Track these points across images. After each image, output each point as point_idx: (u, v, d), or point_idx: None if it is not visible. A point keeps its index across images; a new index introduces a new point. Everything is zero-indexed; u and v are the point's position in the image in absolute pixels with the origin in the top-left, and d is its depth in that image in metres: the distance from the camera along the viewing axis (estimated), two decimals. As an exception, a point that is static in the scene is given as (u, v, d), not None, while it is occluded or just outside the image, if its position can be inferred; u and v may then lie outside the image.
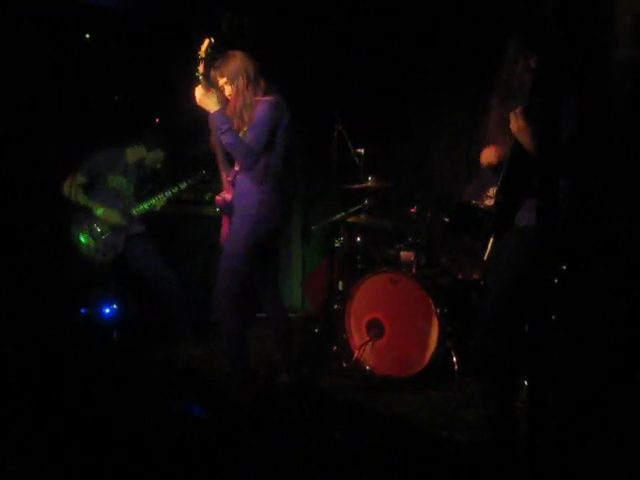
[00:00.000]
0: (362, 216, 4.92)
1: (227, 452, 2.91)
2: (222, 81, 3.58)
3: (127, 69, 5.45)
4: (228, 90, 3.59)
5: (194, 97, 3.54)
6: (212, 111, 3.50)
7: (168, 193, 4.85)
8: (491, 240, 3.17)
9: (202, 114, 3.58)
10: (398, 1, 5.14)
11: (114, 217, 4.79)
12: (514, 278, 2.93)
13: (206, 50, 3.52)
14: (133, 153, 4.91)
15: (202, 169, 4.94)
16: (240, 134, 3.55)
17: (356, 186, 4.90)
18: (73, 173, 4.79)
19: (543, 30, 2.58)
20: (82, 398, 3.37)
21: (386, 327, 4.34)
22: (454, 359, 4.19)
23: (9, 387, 3.45)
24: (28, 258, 5.02)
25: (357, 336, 4.44)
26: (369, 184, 4.83)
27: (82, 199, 4.79)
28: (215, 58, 3.57)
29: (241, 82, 3.54)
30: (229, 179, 3.65)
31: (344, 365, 4.41)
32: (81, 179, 4.80)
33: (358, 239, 4.95)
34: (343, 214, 4.99)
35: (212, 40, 3.52)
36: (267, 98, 3.56)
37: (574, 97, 2.47)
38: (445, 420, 3.58)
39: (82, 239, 4.79)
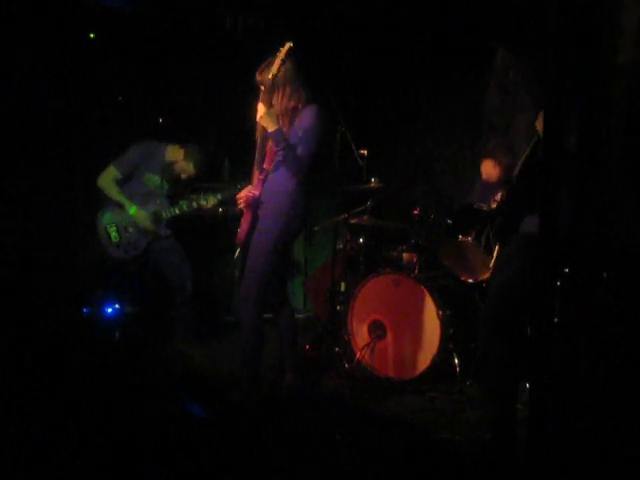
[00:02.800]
0: (365, 217, 4.92)
1: (228, 453, 2.92)
2: (269, 84, 3.57)
3: (131, 69, 5.46)
4: (274, 94, 3.58)
5: (255, 113, 3.58)
6: (270, 130, 3.51)
7: (202, 202, 4.74)
8: (497, 247, 3.19)
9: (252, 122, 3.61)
10: (402, 3, 5.14)
11: (145, 219, 4.71)
12: (511, 282, 2.95)
13: (286, 54, 3.53)
14: (172, 152, 4.82)
15: (237, 183, 4.88)
16: None
17: (359, 187, 4.90)
18: (110, 165, 4.71)
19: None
20: (83, 398, 3.37)
21: (388, 328, 4.34)
22: (456, 361, 4.19)
23: (10, 386, 3.45)
24: (31, 257, 5.02)
25: (359, 337, 4.44)
26: (372, 185, 4.83)
27: (116, 195, 4.70)
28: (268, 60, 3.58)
29: (288, 89, 3.57)
30: (260, 177, 3.66)
31: (346, 366, 4.40)
32: (116, 173, 4.70)
33: (361, 240, 4.95)
34: (346, 215, 4.98)
35: (292, 44, 3.53)
36: (312, 106, 3.60)
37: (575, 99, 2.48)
38: (446, 422, 3.58)
39: (108, 233, 4.71)
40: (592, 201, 2.51)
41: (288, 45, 3.55)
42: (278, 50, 3.52)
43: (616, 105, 2.43)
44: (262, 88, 3.59)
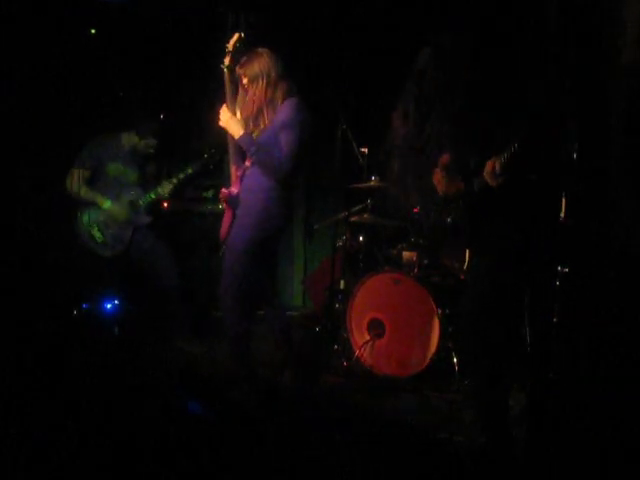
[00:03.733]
0: (365, 215, 4.92)
1: (226, 451, 2.92)
2: (245, 79, 3.56)
3: (132, 65, 5.45)
4: (249, 88, 3.55)
5: (218, 118, 3.55)
6: (237, 136, 3.49)
7: (174, 180, 4.79)
8: (467, 251, 3.18)
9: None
10: (402, 3, 5.14)
11: (121, 211, 4.74)
12: (481, 291, 2.92)
13: (234, 44, 3.50)
14: (128, 139, 4.84)
15: (205, 155, 4.88)
16: (255, 133, 3.56)
17: (359, 185, 4.90)
18: (73, 167, 4.74)
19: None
20: (82, 394, 3.37)
21: (387, 327, 4.34)
22: (455, 360, 4.19)
23: (10, 385, 3.45)
24: (30, 253, 5.01)
25: (358, 335, 4.44)
26: (372, 183, 4.83)
27: (87, 194, 4.73)
28: (242, 53, 3.55)
29: (263, 82, 3.50)
30: (238, 174, 3.64)
31: (345, 364, 4.41)
32: (80, 172, 4.73)
33: (360, 238, 4.96)
34: (346, 213, 4.98)
35: (242, 35, 3.50)
36: (291, 99, 3.51)
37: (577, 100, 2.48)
38: (445, 421, 3.57)
39: (92, 234, 4.74)
40: (592, 201, 2.51)
41: (237, 35, 3.52)
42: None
43: (616, 105, 2.43)
44: (225, 72, 3.55)
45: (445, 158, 3.03)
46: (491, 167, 2.68)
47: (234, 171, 3.66)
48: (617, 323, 2.49)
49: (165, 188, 4.81)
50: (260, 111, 3.55)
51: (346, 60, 5.69)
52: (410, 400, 3.95)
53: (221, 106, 3.57)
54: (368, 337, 4.37)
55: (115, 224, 4.75)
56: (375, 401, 3.92)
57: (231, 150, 3.66)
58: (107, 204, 4.73)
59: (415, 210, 4.75)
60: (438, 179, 3.12)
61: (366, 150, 5.03)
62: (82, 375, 3.68)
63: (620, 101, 2.42)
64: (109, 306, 4.86)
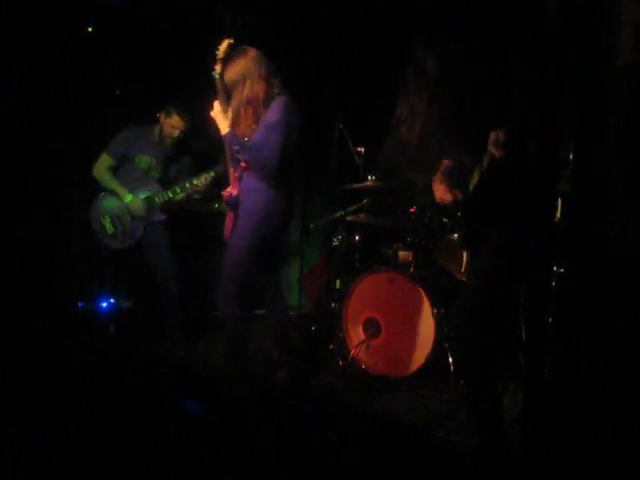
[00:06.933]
0: (361, 215, 4.92)
1: (221, 451, 2.91)
2: (229, 83, 3.57)
3: (129, 64, 5.44)
4: (233, 92, 3.56)
5: (211, 108, 3.57)
6: (222, 132, 3.51)
7: (195, 182, 4.70)
8: (465, 255, 3.18)
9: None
10: (402, 3, 5.14)
11: (139, 206, 4.68)
12: (480, 280, 2.92)
13: (225, 51, 3.51)
14: (157, 128, 4.79)
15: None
16: (248, 133, 3.56)
17: (355, 185, 4.90)
18: (103, 152, 4.69)
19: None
20: (78, 393, 3.37)
21: (383, 326, 4.34)
22: (450, 360, 4.19)
23: (9, 385, 3.44)
24: (26, 253, 4.99)
25: (354, 335, 4.44)
26: (368, 183, 4.83)
27: (111, 183, 4.68)
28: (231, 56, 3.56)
29: (250, 80, 3.52)
30: (236, 175, 3.64)
31: (340, 364, 4.41)
32: (109, 160, 4.68)
33: (356, 238, 4.95)
34: (342, 213, 4.98)
35: (232, 41, 3.51)
36: (279, 99, 3.54)
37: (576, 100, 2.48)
38: (440, 421, 3.58)
39: (102, 224, 4.69)
40: (592, 201, 2.52)
41: (226, 42, 3.54)
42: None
43: (616, 105, 2.44)
44: (217, 79, 3.58)
45: (446, 163, 3.02)
46: (495, 136, 2.69)
47: (232, 173, 3.67)
48: (616, 323, 2.50)
49: (184, 189, 4.73)
50: (247, 108, 3.55)
51: (343, 60, 5.69)
52: (406, 400, 3.95)
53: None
54: (364, 337, 4.37)
55: (129, 218, 4.70)
56: (371, 401, 3.92)
57: (227, 152, 3.67)
58: (129, 198, 4.67)
59: (411, 210, 4.75)
60: (437, 185, 3.12)
61: (362, 149, 5.03)
62: (81, 374, 3.67)
63: (620, 101, 2.43)
64: (104, 304, 4.85)
